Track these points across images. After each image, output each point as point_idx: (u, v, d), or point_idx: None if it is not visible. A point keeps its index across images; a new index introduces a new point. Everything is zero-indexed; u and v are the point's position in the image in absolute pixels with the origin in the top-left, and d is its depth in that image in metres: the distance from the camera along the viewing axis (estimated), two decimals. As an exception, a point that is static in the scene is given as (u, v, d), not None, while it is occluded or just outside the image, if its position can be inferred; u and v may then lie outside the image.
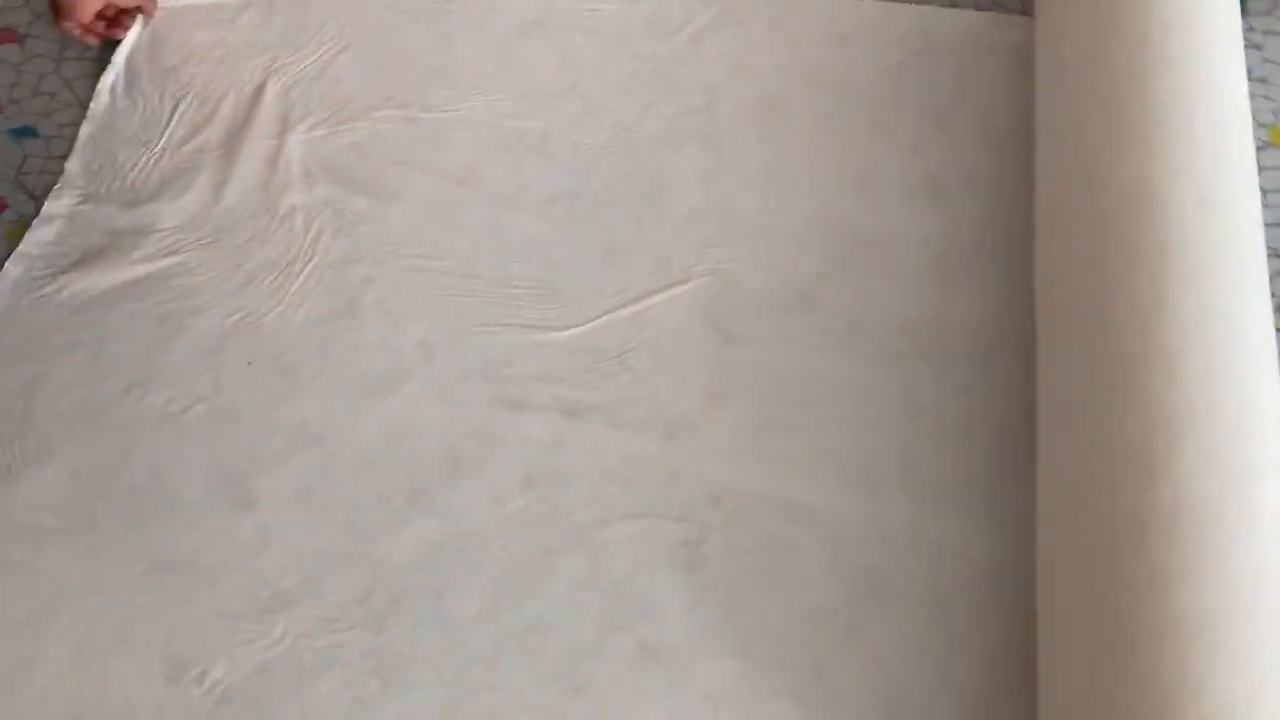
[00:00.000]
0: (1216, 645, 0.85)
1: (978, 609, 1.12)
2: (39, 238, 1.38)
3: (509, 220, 1.36)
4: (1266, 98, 1.45)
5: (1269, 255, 1.10)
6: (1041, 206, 1.23)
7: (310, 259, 1.35)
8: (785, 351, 1.25)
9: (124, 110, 1.49)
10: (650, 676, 1.09)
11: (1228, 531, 0.90)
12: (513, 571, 1.15)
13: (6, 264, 1.35)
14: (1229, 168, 1.10)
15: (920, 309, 1.30)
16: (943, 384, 1.24)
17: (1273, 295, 1.07)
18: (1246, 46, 1.22)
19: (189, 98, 1.50)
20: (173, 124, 1.47)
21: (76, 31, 1.53)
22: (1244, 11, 1.30)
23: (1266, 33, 1.51)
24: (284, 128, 1.46)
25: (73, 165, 1.44)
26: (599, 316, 1.28)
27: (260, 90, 1.50)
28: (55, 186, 1.41)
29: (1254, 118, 1.19)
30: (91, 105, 1.48)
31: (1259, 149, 1.20)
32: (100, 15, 1.53)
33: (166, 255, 1.36)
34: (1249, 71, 1.21)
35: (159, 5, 1.57)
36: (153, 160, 1.44)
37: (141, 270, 1.35)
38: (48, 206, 1.40)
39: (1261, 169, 1.17)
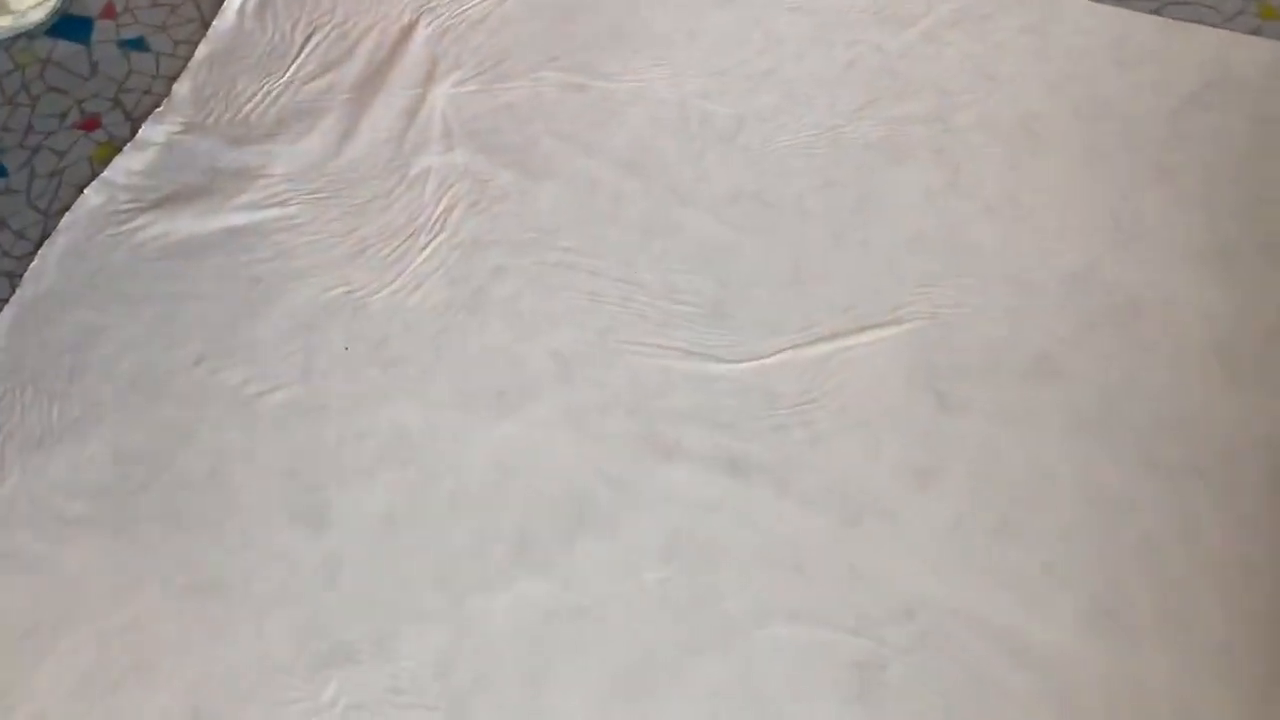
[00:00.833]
0: None
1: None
2: (128, 165, 1.18)
3: (680, 219, 1.14)
4: None
5: None
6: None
7: (437, 234, 1.12)
8: (1015, 429, 1.01)
9: (251, 33, 1.28)
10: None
11: None
12: (636, 665, 0.92)
13: (86, 190, 1.14)
14: None
15: (1198, 405, 1.01)
16: (1223, 510, 0.95)
17: None
18: None
19: (326, 28, 1.29)
20: (303, 56, 1.26)
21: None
22: None
23: None
24: (429, 77, 1.24)
25: (181, 88, 1.23)
26: (778, 352, 1.07)
27: (409, 31, 1.28)
28: (157, 109, 1.21)
29: None
30: (215, 22, 1.29)
31: None
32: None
33: (271, 205, 1.14)
34: None
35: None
36: (274, 94, 1.23)
37: (239, 219, 1.14)
38: (144, 131, 1.20)
39: None
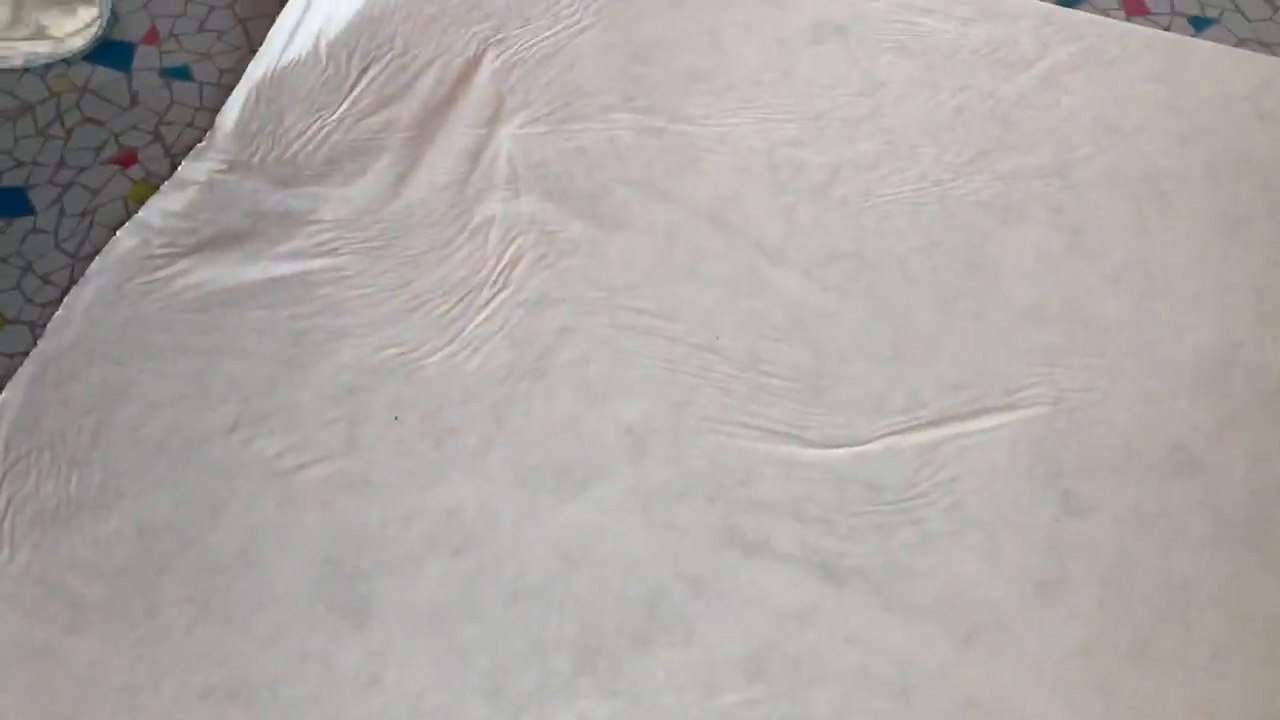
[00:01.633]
0: None
1: None
2: (165, 205, 1.08)
3: (768, 279, 1.04)
4: None
5: None
6: None
7: (499, 290, 1.03)
8: (1152, 535, 0.91)
9: (304, 64, 1.19)
10: None
11: None
12: (715, 805, 0.78)
13: (119, 232, 1.05)
14: None
15: (1369, 513, 0.88)
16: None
17: None
18: None
19: (384, 60, 1.19)
20: (358, 89, 1.17)
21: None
22: None
23: None
24: (495, 116, 1.14)
25: (225, 120, 1.14)
26: (879, 437, 0.97)
27: (474, 64, 1.18)
28: (199, 145, 1.11)
29: None
30: (261, 51, 1.18)
31: None
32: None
33: (318, 254, 1.05)
34: None
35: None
36: (325, 131, 1.13)
37: (283, 269, 1.04)
38: (184, 168, 1.11)
39: None
